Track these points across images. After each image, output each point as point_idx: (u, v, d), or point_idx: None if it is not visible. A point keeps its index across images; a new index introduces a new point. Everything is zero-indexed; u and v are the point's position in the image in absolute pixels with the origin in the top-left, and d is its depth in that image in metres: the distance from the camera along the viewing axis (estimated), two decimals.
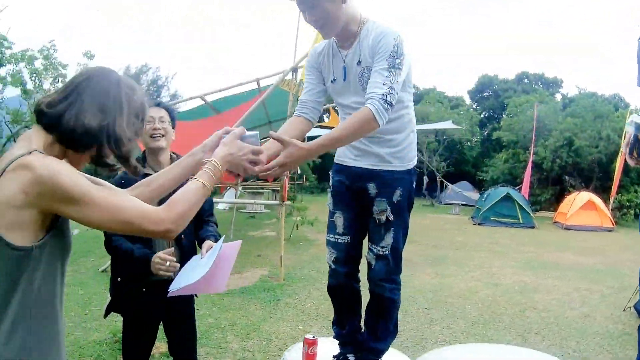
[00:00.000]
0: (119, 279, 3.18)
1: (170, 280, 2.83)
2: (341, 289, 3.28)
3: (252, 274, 8.63)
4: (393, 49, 2.75)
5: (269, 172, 2.37)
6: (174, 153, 3.34)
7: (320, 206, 22.54)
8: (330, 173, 3.29)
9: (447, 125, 25.22)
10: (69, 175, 1.47)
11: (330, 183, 3.30)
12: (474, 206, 21.96)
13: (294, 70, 8.73)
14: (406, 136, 3.11)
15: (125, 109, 1.66)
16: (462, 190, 26.23)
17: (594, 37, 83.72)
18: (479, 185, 29.16)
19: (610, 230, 18.06)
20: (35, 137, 1.56)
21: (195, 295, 3.46)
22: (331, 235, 3.21)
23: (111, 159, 1.68)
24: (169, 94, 60.62)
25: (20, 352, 1.51)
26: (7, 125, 17.07)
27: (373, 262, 3.10)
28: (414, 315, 6.35)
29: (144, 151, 3.25)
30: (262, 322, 6.09)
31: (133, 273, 3.08)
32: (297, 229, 12.72)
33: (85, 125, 1.55)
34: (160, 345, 4.54)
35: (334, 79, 3.05)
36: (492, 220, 18.22)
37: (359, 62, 2.89)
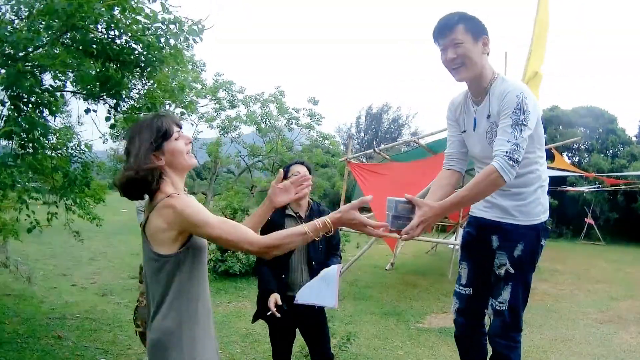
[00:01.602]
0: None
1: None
2: (463, 339, 3.51)
3: None
4: (516, 105, 2.90)
5: (407, 235, 2.75)
6: (311, 199, 4.45)
7: (554, 250, 21.84)
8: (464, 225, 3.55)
9: None
10: (192, 207, 2.31)
11: (462, 234, 3.53)
12: None
13: None
14: (533, 191, 3.25)
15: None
16: None
17: None
18: None
19: None
20: (166, 182, 2.46)
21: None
22: (457, 286, 3.45)
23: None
24: (410, 132, 62.11)
25: (174, 323, 2.38)
26: (241, 158, 18.75)
27: (492, 317, 3.26)
28: None
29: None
30: None
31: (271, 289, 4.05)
32: None
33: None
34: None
35: (464, 130, 3.33)
36: None
37: (489, 117, 3.12)
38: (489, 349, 3.42)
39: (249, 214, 11.69)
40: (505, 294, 3.19)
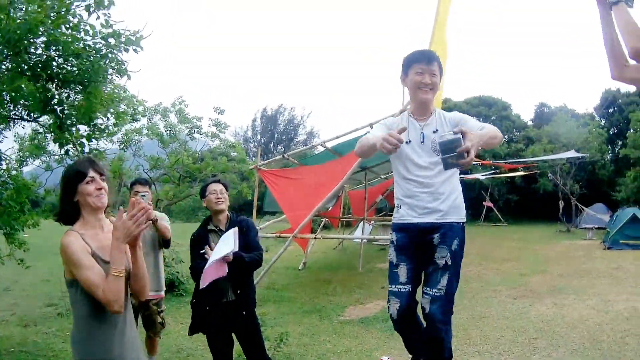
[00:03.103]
0: (194, 301, 4.62)
1: (233, 303, 4.45)
2: (406, 329, 3.96)
3: (374, 305, 9.30)
4: (465, 117, 3.88)
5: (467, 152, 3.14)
6: (230, 212, 4.74)
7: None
8: (392, 230, 4.03)
9: (570, 154, 24.98)
10: (72, 248, 2.72)
11: (394, 239, 3.93)
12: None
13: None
14: (459, 193, 3.90)
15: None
16: (596, 213, 25.38)
17: None
18: (614, 207, 27.74)
19: None
20: (81, 217, 2.91)
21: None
22: (393, 286, 3.84)
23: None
24: (306, 132, 62.72)
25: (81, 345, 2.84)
26: (145, 172, 18.63)
27: (427, 306, 3.69)
28: (520, 344, 6.78)
29: (211, 213, 4.69)
30: (375, 349, 6.71)
31: (203, 296, 4.40)
32: None
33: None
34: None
35: (409, 141, 3.83)
36: (620, 244, 17.31)
37: (435, 131, 3.79)
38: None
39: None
40: (443, 282, 3.65)
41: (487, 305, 9.10)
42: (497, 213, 31.64)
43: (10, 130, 6.91)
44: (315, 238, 11.80)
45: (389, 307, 3.88)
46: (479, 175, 28.16)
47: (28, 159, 13.84)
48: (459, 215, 3.82)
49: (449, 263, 3.67)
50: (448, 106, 38.16)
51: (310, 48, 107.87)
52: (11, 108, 5.47)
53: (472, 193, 32.42)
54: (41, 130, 6.04)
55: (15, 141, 11.53)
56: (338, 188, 10.48)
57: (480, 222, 31.35)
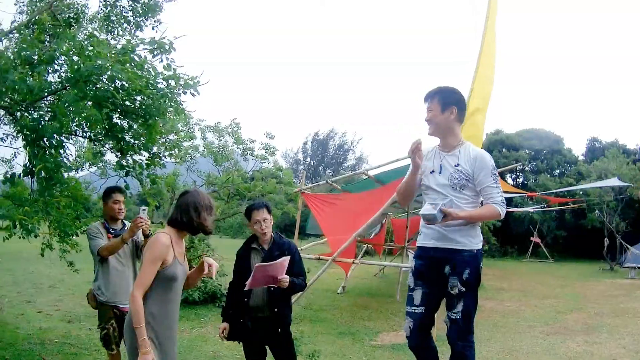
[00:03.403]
0: (230, 312, 4.88)
1: (268, 318, 4.73)
2: (419, 349, 4.34)
3: None
4: (492, 166, 4.16)
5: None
6: (274, 233, 4.95)
7: (499, 270, 22.64)
8: (412, 255, 4.44)
9: (613, 182, 24.75)
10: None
11: (412, 265, 4.39)
12: None
13: None
14: (474, 225, 4.22)
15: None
16: None
17: None
18: None
19: None
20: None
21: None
22: (409, 307, 4.29)
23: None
24: (355, 157, 62.98)
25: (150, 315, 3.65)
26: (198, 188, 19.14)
27: (448, 325, 4.16)
28: None
29: (254, 234, 4.94)
30: None
31: (240, 308, 4.75)
32: None
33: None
34: None
35: (433, 171, 4.28)
36: None
37: (457, 165, 4.18)
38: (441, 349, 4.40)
39: (207, 243, 12.24)
40: (459, 307, 4.08)
41: (519, 340, 9.18)
42: (544, 249, 31.23)
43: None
44: (353, 262, 12.03)
45: (404, 325, 4.34)
46: (528, 209, 27.96)
47: (85, 164, 14.52)
48: (471, 243, 4.14)
49: (462, 290, 4.05)
50: (500, 137, 38.10)
51: (370, 74, 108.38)
52: (75, 127, 5.95)
53: (521, 228, 32.27)
54: (103, 150, 6.58)
55: (73, 145, 12.11)
56: (378, 215, 10.69)
57: (527, 258, 31.07)
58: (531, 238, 31.42)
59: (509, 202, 28.62)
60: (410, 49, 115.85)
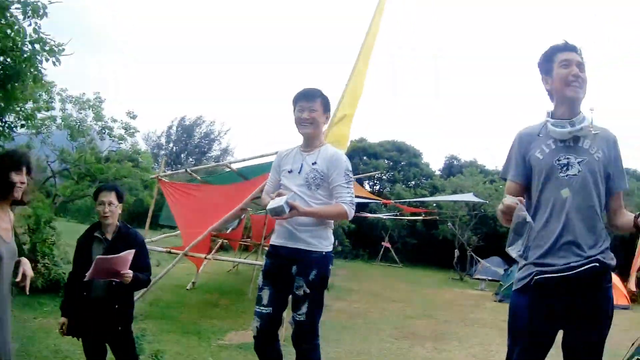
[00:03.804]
0: (66, 306, 4.59)
1: (109, 316, 4.38)
2: (263, 349, 4.22)
3: None
4: (346, 167, 4.17)
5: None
6: (120, 222, 4.64)
7: (350, 271, 22.89)
8: (265, 255, 4.24)
9: (468, 197, 25.94)
10: None
11: (264, 263, 4.30)
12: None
13: None
14: (324, 227, 4.19)
15: None
16: (491, 266, 25.87)
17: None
18: (511, 261, 27.96)
19: (625, 308, 17.67)
20: None
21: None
22: (257, 307, 4.15)
23: None
24: (220, 148, 61.64)
25: None
26: (49, 164, 17.77)
27: (293, 327, 4.12)
28: None
29: (99, 221, 4.59)
30: None
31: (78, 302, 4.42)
32: None
33: None
34: None
35: (291, 170, 4.25)
36: None
37: (314, 163, 4.16)
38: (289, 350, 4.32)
39: (52, 227, 11.34)
40: (304, 308, 4.02)
41: (367, 342, 9.05)
42: (393, 254, 32.04)
43: None
44: (205, 258, 11.55)
45: (252, 325, 4.20)
46: (382, 215, 28.63)
47: None
48: (321, 245, 4.11)
49: (307, 292, 4.01)
50: (363, 145, 39.45)
51: (244, 62, 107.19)
52: None
53: (374, 232, 32.96)
54: None
55: None
56: (236, 210, 10.31)
57: (377, 262, 31.72)
58: (382, 242, 32.24)
59: (364, 207, 29.31)
60: (296, 44, 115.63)
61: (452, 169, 41.28)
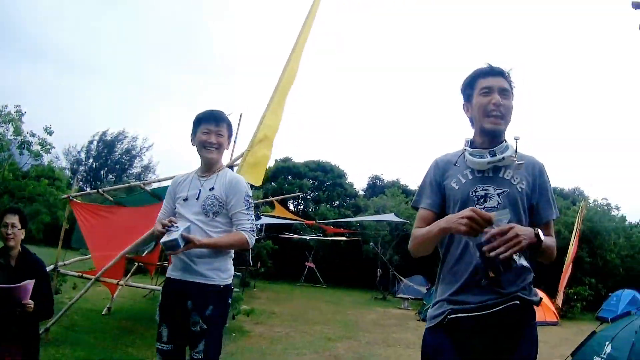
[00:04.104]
0: None
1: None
2: None
3: None
4: (246, 193, 4.04)
5: None
6: (22, 248, 4.53)
7: (273, 293, 22.61)
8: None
9: (390, 217, 26.09)
10: None
11: (160, 297, 4.07)
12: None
13: (230, 167, 9.04)
14: (223, 258, 4.01)
15: None
16: (414, 284, 26.09)
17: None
18: (434, 280, 28.15)
19: (554, 324, 18.13)
20: None
21: None
22: (158, 344, 3.91)
23: None
24: (141, 165, 60.33)
25: None
26: None
27: None
28: None
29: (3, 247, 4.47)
30: None
31: None
32: (233, 318, 12.62)
33: None
34: None
35: (187, 199, 4.05)
36: None
37: (212, 189, 3.99)
38: None
39: None
40: (201, 346, 3.79)
41: None
42: (317, 274, 31.94)
43: None
44: (118, 284, 11.10)
45: None
46: (305, 236, 28.49)
47: None
48: (220, 278, 3.95)
49: (204, 328, 3.81)
50: (288, 165, 39.64)
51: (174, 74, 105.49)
52: None
53: (298, 253, 32.83)
54: None
55: None
56: (148, 234, 9.94)
57: (301, 282, 31.55)
58: (306, 263, 32.17)
59: (288, 227, 29.20)
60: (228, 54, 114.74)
61: (376, 188, 42.36)
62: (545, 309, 18.63)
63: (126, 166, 59.73)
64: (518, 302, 2.76)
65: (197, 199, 4.01)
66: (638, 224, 36.83)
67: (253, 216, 4.07)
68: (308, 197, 41.12)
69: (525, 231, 2.59)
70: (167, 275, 4.08)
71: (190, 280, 3.87)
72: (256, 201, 21.50)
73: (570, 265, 20.74)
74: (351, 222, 30.67)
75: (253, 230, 4.00)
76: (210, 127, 4.01)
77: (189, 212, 3.98)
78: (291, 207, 39.26)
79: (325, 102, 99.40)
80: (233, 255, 4.15)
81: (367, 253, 31.77)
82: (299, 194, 33.86)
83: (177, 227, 3.70)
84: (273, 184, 39.09)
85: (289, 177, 40.28)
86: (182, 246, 3.62)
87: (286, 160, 41.49)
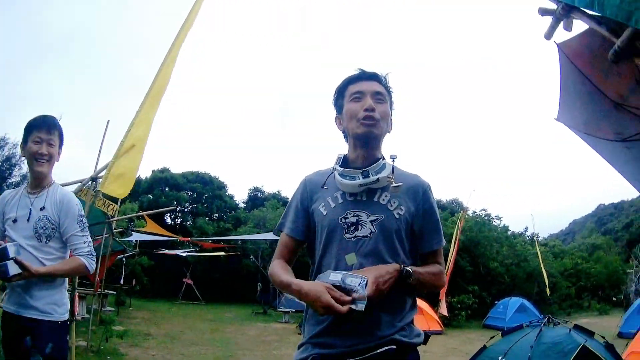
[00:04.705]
0: None
1: None
2: None
3: None
4: (79, 212, 3.67)
5: None
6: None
7: (148, 312, 21.66)
8: None
9: (268, 236, 25.94)
10: None
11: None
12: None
13: (94, 179, 8.42)
14: (60, 290, 3.63)
15: None
16: (295, 298, 25.86)
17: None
18: None
19: (439, 334, 18.28)
20: None
21: None
22: None
23: None
24: (21, 174, 56.78)
25: None
26: None
27: None
28: None
29: None
30: None
31: None
32: (106, 341, 11.65)
33: None
34: None
35: (16, 220, 3.58)
36: None
37: (43, 209, 3.58)
38: None
39: None
40: None
41: None
42: (196, 291, 31.10)
43: None
44: None
45: None
46: (180, 252, 27.91)
47: None
48: (56, 313, 3.56)
49: None
50: (165, 176, 38.86)
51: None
52: None
53: (174, 268, 31.88)
54: None
55: None
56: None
57: (179, 300, 30.56)
58: (184, 279, 31.20)
59: (164, 243, 28.39)
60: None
61: (257, 200, 41.98)
62: (429, 319, 18.90)
63: (6, 175, 56.26)
64: (394, 346, 2.36)
65: (28, 220, 3.58)
66: (522, 233, 38.52)
67: (89, 238, 3.73)
68: (186, 210, 40.13)
69: (384, 276, 2.29)
70: (3, 308, 3.64)
71: (26, 316, 3.47)
72: (130, 215, 20.64)
73: (449, 275, 21.11)
74: (230, 238, 30.24)
75: (92, 254, 3.69)
76: (41, 135, 3.58)
77: (20, 236, 3.54)
78: (168, 220, 38.22)
79: (204, 110, 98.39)
80: (67, 285, 3.82)
81: (248, 267, 31.53)
82: (175, 207, 32.93)
83: (4, 245, 3.27)
84: (149, 195, 37.71)
85: (166, 189, 39.17)
86: (13, 273, 3.25)
87: (164, 170, 40.35)
